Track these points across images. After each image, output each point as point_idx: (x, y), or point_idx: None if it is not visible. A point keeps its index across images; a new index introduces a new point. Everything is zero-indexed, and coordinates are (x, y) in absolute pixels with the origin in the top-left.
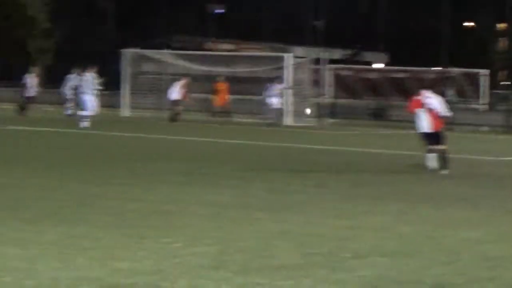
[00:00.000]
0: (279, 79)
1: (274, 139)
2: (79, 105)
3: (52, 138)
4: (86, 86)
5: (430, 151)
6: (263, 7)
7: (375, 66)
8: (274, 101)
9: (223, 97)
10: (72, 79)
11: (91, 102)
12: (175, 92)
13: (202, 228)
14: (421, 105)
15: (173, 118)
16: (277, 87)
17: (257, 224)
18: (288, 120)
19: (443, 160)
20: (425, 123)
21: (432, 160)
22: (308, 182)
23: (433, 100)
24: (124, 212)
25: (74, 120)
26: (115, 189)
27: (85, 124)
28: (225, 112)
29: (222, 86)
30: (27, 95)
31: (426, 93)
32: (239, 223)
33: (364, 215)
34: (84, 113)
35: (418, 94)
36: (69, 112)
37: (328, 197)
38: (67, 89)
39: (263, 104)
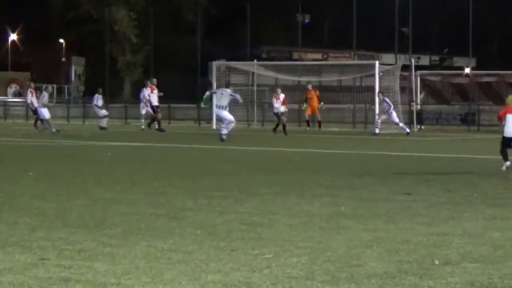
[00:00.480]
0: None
1: (363, 147)
2: None
3: (142, 152)
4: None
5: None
6: (350, 15)
7: (465, 70)
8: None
9: (313, 105)
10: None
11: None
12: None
13: (292, 238)
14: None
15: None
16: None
17: (346, 233)
18: (377, 129)
19: None
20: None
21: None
22: (397, 189)
23: None
24: (214, 225)
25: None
26: (205, 202)
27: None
28: (316, 120)
29: (312, 94)
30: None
31: None
32: (329, 232)
33: (454, 221)
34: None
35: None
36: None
37: (417, 204)
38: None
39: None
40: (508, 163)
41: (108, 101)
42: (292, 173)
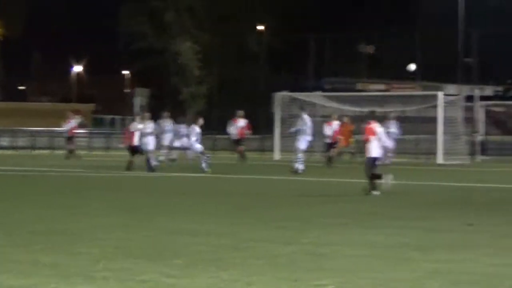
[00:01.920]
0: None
1: (427, 178)
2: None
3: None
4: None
5: None
6: (413, 45)
7: None
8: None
9: (347, 138)
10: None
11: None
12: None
13: (355, 269)
14: None
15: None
16: None
17: (410, 264)
18: (440, 158)
19: None
20: None
21: None
22: (459, 220)
23: None
24: (277, 255)
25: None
26: (268, 232)
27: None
28: (350, 152)
29: (346, 127)
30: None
31: None
32: (392, 263)
33: None
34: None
35: None
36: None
37: (481, 235)
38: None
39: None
40: None
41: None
42: (355, 203)
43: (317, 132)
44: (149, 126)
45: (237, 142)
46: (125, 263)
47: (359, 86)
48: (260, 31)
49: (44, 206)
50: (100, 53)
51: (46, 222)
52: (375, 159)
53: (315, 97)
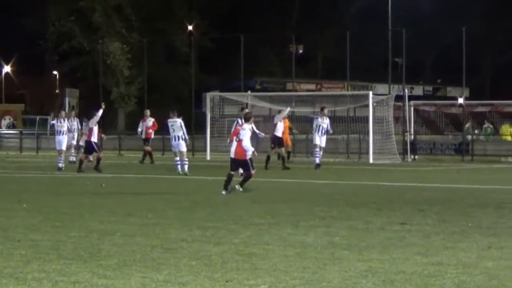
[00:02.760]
0: None
1: (356, 177)
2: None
3: (137, 183)
4: None
5: None
6: (343, 45)
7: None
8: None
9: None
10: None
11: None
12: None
13: (287, 269)
14: None
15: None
16: None
17: (342, 263)
18: (370, 158)
19: None
20: None
21: None
22: (392, 220)
23: None
24: (208, 256)
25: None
26: (199, 233)
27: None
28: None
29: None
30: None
31: None
32: (324, 262)
33: (448, 251)
34: None
35: None
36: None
37: (412, 234)
38: None
39: None
40: None
41: (102, 132)
42: (286, 203)
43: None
44: (64, 124)
45: (145, 141)
46: (57, 264)
47: (289, 86)
48: (190, 31)
49: None
50: (29, 53)
51: None
52: None
53: (245, 97)
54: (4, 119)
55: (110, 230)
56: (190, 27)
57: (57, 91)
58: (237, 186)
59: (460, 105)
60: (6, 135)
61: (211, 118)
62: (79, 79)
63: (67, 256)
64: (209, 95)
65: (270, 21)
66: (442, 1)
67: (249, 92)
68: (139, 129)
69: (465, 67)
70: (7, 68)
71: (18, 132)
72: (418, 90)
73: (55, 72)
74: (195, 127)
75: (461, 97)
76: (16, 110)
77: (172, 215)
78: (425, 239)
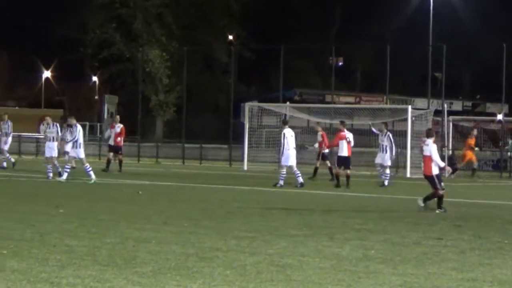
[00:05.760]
0: None
1: (392, 191)
2: None
3: (173, 191)
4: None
5: None
6: (383, 59)
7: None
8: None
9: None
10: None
11: None
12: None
13: (321, 281)
14: None
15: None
16: None
17: (376, 277)
18: (408, 172)
19: None
20: None
21: None
22: (428, 234)
23: None
24: (243, 266)
25: None
26: (234, 242)
27: None
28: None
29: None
30: None
31: None
32: (358, 276)
33: (484, 268)
34: None
35: None
36: None
37: (448, 250)
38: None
39: None
40: None
41: (140, 140)
42: (321, 215)
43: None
44: (53, 130)
45: (114, 149)
46: (92, 270)
47: (328, 98)
48: (229, 41)
49: (11, 211)
50: (69, 59)
51: (14, 227)
52: None
53: (284, 108)
54: (43, 124)
55: (146, 237)
56: (230, 37)
57: (96, 97)
58: (419, 201)
59: (499, 121)
60: (44, 140)
61: (249, 128)
62: (118, 86)
63: (102, 262)
64: (247, 105)
65: (310, 33)
66: (483, 17)
67: (287, 103)
68: (106, 135)
69: (505, 83)
70: (47, 74)
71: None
72: (457, 106)
73: (94, 79)
74: (233, 137)
75: (500, 113)
76: (54, 115)
77: (207, 224)
78: (460, 254)
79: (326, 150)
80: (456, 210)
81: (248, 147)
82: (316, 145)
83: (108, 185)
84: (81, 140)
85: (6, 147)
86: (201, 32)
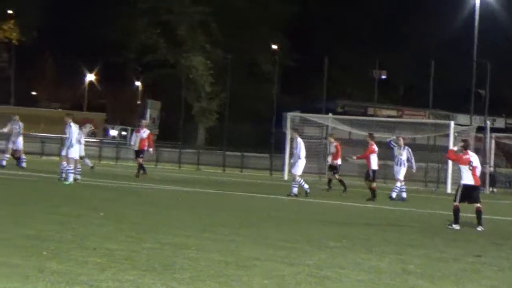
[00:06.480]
0: None
1: (431, 206)
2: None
3: (213, 198)
4: None
5: None
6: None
7: None
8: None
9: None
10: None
11: None
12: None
13: None
14: None
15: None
16: None
17: None
18: (448, 188)
19: None
20: None
21: None
22: (466, 251)
23: None
24: (282, 276)
25: None
26: (273, 252)
27: None
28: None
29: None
30: None
31: None
32: None
33: None
34: None
35: None
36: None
37: (486, 267)
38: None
39: None
40: None
41: (181, 146)
42: (360, 228)
43: (325, 153)
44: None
45: (137, 153)
46: (131, 274)
47: (370, 110)
48: (273, 50)
49: (50, 212)
50: (113, 63)
51: (54, 228)
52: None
53: (326, 119)
54: (85, 127)
55: (185, 244)
56: (274, 46)
57: (138, 102)
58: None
59: None
60: (86, 143)
61: (290, 138)
62: (161, 91)
63: (141, 267)
64: (289, 115)
65: (353, 45)
66: None
67: (330, 114)
68: (133, 141)
69: None
70: (90, 77)
71: (98, 140)
72: (500, 123)
73: (137, 83)
74: (274, 146)
75: None
76: (97, 118)
77: (246, 232)
78: (499, 272)
79: (339, 162)
80: (496, 227)
81: (289, 157)
82: (354, 157)
83: (147, 190)
84: (74, 140)
85: (15, 147)
86: (245, 41)
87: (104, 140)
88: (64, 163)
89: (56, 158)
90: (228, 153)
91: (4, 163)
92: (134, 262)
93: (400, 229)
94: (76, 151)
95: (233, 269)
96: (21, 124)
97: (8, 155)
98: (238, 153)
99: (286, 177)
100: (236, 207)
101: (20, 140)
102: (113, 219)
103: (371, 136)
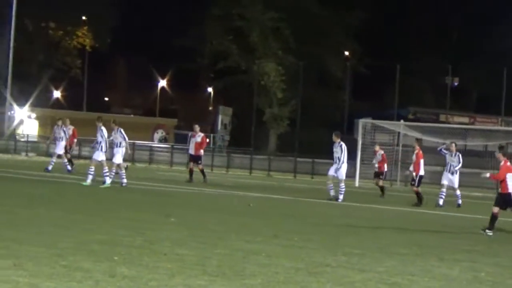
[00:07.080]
0: None
1: (504, 214)
2: None
3: (283, 205)
4: None
5: None
6: (499, 80)
7: None
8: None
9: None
10: None
11: None
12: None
13: None
14: None
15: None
16: None
17: None
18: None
19: None
20: None
21: None
22: None
23: None
24: (352, 282)
25: None
26: (344, 258)
27: None
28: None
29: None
30: None
31: None
32: None
33: None
34: None
35: None
36: None
37: None
38: None
39: None
40: None
41: (253, 152)
42: (430, 234)
43: (396, 160)
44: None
45: (194, 158)
46: (202, 280)
47: (442, 117)
48: (345, 57)
49: (121, 218)
50: (185, 69)
51: (125, 234)
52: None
53: (398, 126)
54: (157, 133)
55: (255, 250)
56: (346, 53)
57: (210, 108)
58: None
59: None
60: (158, 149)
61: (362, 144)
62: (233, 97)
63: (211, 272)
64: (361, 122)
65: (425, 51)
66: None
67: (401, 121)
68: (190, 145)
69: None
70: (162, 83)
71: (169, 146)
72: None
73: (209, 89)
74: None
75: None
76: (169, 124)
77: (317, 239)
78: None
79: (385, 170)
80: None
81: (360, 164)
82: (411, 168)
83: (217, 195)
84: (104, 144)
85: (61, 152)
86: (317, 47)
87: (175, 146)
88: (106, 168)
89: (126, 164)
90: (299, 159)
91: (70, 167)
92: (204, 268)
93: (470, 236)
94: (119, 155)
95: (303, 275)
96: (66, 129)
97: (66, 161)
98: (309, 160)
99: (357, 183)
100: (306, 213)
101: (61, 145)
102: (184, 224)
103: (418, 141)
